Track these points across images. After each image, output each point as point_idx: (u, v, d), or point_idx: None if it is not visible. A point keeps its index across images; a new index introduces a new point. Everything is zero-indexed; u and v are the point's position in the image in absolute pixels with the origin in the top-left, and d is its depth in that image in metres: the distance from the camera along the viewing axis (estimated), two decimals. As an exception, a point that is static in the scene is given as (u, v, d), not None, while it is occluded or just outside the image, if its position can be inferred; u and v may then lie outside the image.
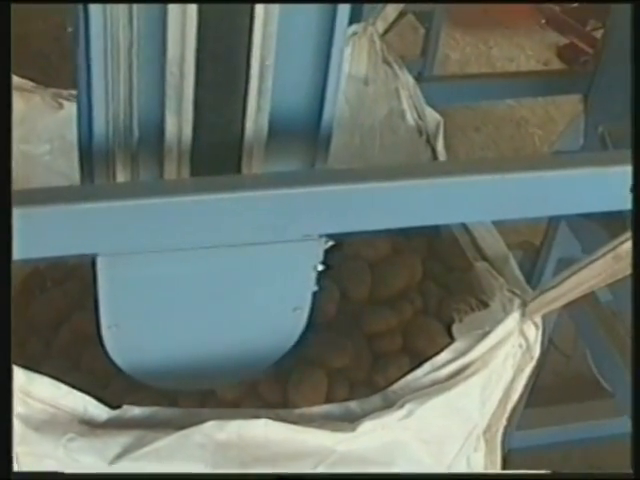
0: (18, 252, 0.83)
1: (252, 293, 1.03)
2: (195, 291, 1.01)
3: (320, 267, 1.02)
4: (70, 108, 1.48)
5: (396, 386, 1.03)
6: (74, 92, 1.45)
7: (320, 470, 0.98)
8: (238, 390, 1.21)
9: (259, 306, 1.05)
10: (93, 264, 0.94)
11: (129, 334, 1.03)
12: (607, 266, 0.98)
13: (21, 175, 1.50)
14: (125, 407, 0.98)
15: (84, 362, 1.30)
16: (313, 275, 1.03)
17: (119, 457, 0.94)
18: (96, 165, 0.98)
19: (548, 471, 1.16)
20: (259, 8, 0.91)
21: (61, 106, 1.51)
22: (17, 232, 0.81)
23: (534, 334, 1.07)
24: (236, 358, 1.09)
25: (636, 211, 0.91)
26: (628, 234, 0.94)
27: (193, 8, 0.89)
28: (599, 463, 2.19)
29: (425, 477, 1.06)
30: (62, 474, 0.95)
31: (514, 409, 1.12)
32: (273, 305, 1.06)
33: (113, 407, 0.97)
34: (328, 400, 1.17)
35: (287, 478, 0.99)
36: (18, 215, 0.81)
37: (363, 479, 1.01)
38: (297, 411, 1.01)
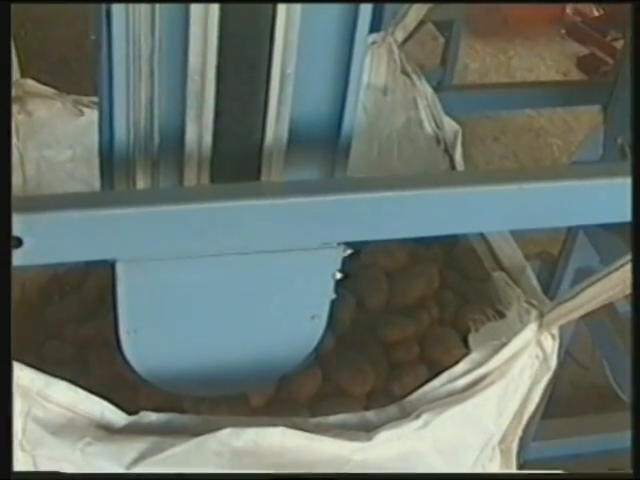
0: (38, 257, 0.84)
1: (270, 300, 1.04)
2: (213, 298, 1.02)
3: (338, 275, 1.02)
4: (90, 115, 1.49)
5: (413, 396, 1.03)
6: (94, 99, 1.47)
7: (336, 479, 0.98)
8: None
9: (277, 314, 1.05)
10: (112, 270, 0.95)
11: (148, 340, 1.03)
12: (625, 277, 0.97)
13: (44, 181, 1.51)
14: (142, 413, 0.98)
15: (100, 367, 1.31)
16: (331, 283, 1.03)
17: (136, 462, 0.94)
18: (116, 171, 0.99)
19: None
20: (280, 17, 0.91)
21: (82, 113, 1.52)
22: (38, 237, 0.81)
23: (551, 345, 1.06)
24: (253, 365, 1.09)
25: (636, 219, 0.91)
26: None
27: (215, 16, 0.89)
28: (616, 475, 2.17)
29: (429, 477, 1.05)
30: (62, 474, 0.95)
31: (530, 420, 1.12)
32: (291, 313, 1.06)
33: (130, 413, 0.98)
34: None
35: (284, 478, 0.98)
36: (39, 220, 0.82)
37: (361, 479, 1.01)
38: (314, 420, 1.01)
